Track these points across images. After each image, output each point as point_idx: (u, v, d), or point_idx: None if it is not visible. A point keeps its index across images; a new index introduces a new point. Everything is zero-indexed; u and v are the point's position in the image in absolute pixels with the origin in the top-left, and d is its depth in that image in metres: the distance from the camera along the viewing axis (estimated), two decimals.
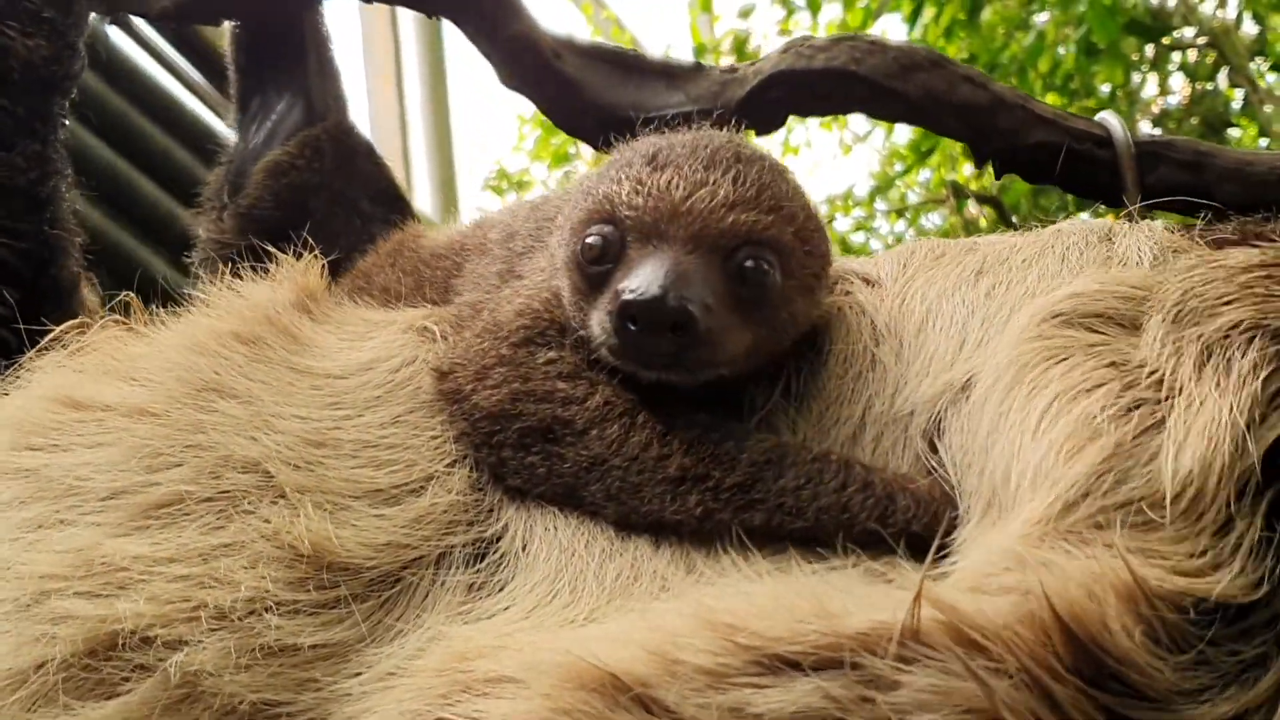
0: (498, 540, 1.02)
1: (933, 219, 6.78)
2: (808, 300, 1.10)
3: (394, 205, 1.79)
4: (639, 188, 1.05)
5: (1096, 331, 0.97)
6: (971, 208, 6.14)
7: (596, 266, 1.06)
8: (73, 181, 1.60)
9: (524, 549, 1.01)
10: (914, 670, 0.74)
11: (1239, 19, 6.30)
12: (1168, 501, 0.81)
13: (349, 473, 1.02)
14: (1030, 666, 0.73)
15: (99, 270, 1.64)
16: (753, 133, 1.91)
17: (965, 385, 1.02)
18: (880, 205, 7.36)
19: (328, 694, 0.91)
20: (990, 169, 1.92)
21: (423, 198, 4.15)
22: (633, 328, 0.99)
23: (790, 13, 6.81)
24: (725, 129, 1.21)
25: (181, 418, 1.03)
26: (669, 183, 1.04)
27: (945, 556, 0.93)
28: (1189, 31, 6.32)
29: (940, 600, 0.77)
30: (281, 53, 1.79)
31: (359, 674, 0.93)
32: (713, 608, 0.82)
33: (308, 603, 0.93)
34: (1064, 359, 0.95)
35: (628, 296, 0.99)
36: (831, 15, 6.81)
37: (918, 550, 0.94)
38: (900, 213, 7.06)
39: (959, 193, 6.08)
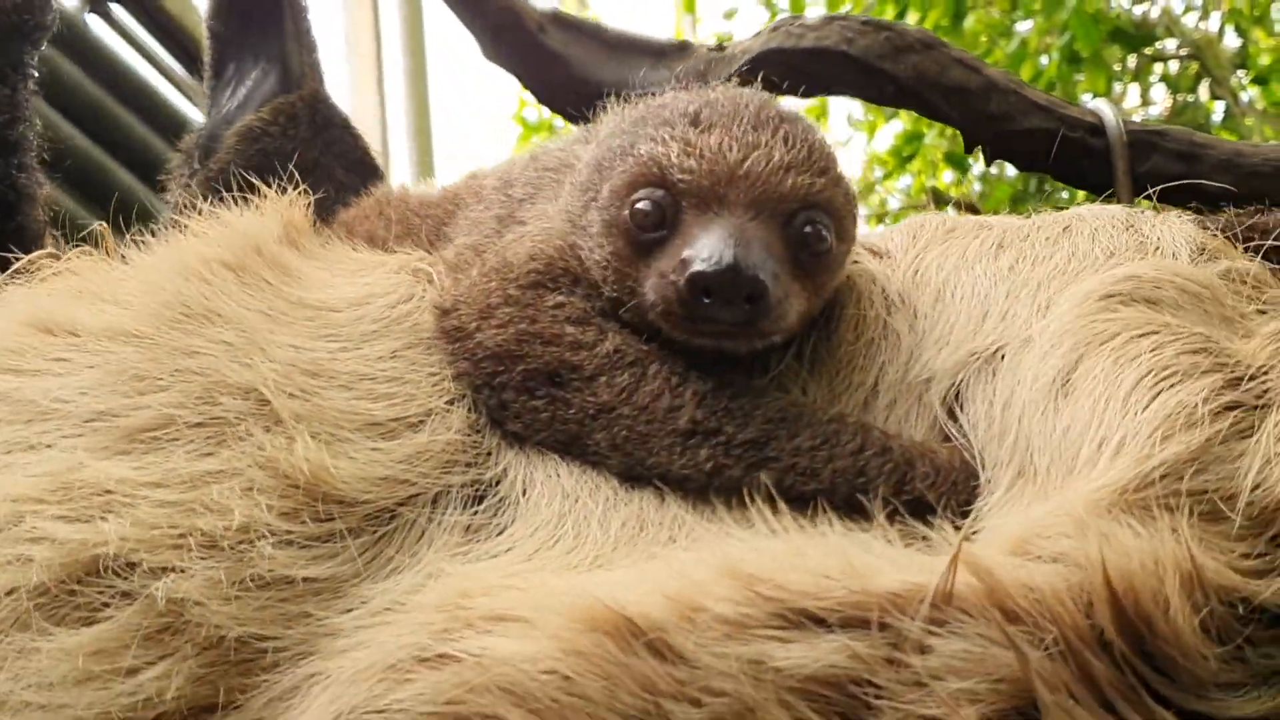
0: (496, 484, 1.00)
1: None
2: (845, 265, 1.09)
3: (370, 176, 1.77)
4: (688, 149, 1.02)
5: (1166, 313, 0.97)
6: (951, 214, 6.17)
7: (650, 233, 1.02)
8: (46, 167, 1.62)
9: (524, 494, 0.98)
10: (946, 634, 0.73)
11: (1221, 31, 6.40)
12: (1241, 501, 0.81)
13: (346, 404, 0.98)
14: (1070, 638, 0.72)
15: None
16: None
17: (991, 356, 1.01)
18: (861, 210, 7.36)
19: (318, 629, 0.88)
20: (971, 178, 1.91)
21: None
22: (706, 300, 0.96)
23: (773, 15, 6.82)
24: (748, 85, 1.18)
25: (169, 341, 0.99)
26: (720, 144, 1.01)
27: (968, 523, 0.92)
28: (1171, 43, 6.40)
29: (977, 564, 0.75)
30: (258, 20, 1.79)
31: (352, 609, 0.90)
32: (736, 558, 0.80)
33: (302, 534, 0.90)
34: (1148, 334, 0.94)
35: (700, 267, 0.96)
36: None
37: (929, 518, 0.93)
38: (880, 218, 7.08)
39: (939, 199, 6.10)
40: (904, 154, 6.51)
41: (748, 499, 0.94)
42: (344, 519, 0.92)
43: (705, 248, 0.97)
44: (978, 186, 5.71)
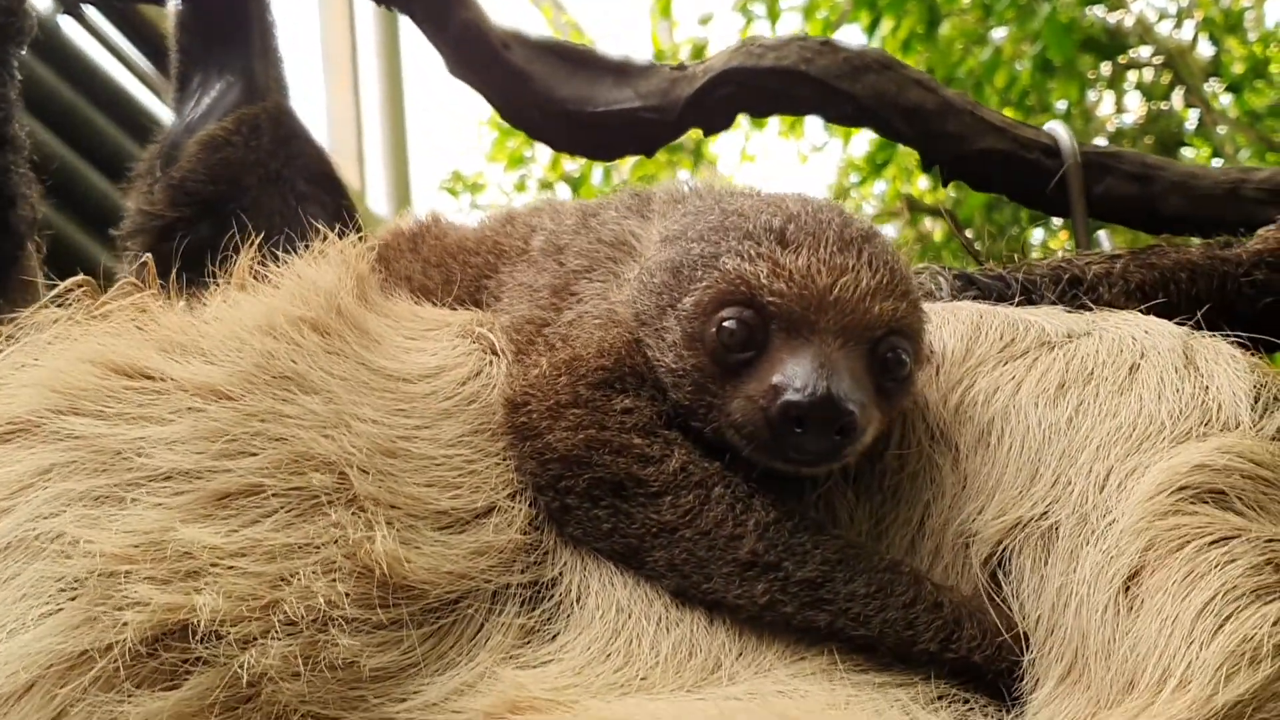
0: (552, 586, 1.05)
1: (888, 230, 6.91)
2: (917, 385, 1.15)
3: (331, 189, 1.84)
4: (777, 270, 1.06)
5: (1235, 513, 1.00)
6: (926, 221, 6.27)
7: (737, 354, 1.06)
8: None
9: (578, 601, 1.04)
10: None
11: (1195, 40, 6.58)
12: None
13: (416, 490, 1.04)
14: None
15: (46, 262, 1.68)
16: (700, 132, 1.97)
17: (1046, 530, 1.05)
18: None
19: (374, 715, 0.94)
20: (943, 181, 1.97)
21: (377, 198, 4.18)
22: (798, 430, 1.01)
23: (749, 21, 6.92)
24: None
25: (257, 404, 1.04)
26: (809, 268, 1.06)
27: (1013, 704, 0.99)
28: (1145, 51, 6.53)
29: None
30: (225, 34, 1.84)
31: (405, 700, 0.96)
32: (782, 712, 0.88)
33: (371, 621, 0.96)
34: (1218, 543, 0.97)
35: (794, 397, 1.01)
36: (791, 25, 6.92)
37: (970, 681, 1.00)
38: None
39: (913, 205, 6.21)
40: (878, 160, 6.60)
41: (789, 635, 1.01)
42: (409, 609, 0.98)
43: (798, 376, 1.02)
44: (952, 193, 5.81)
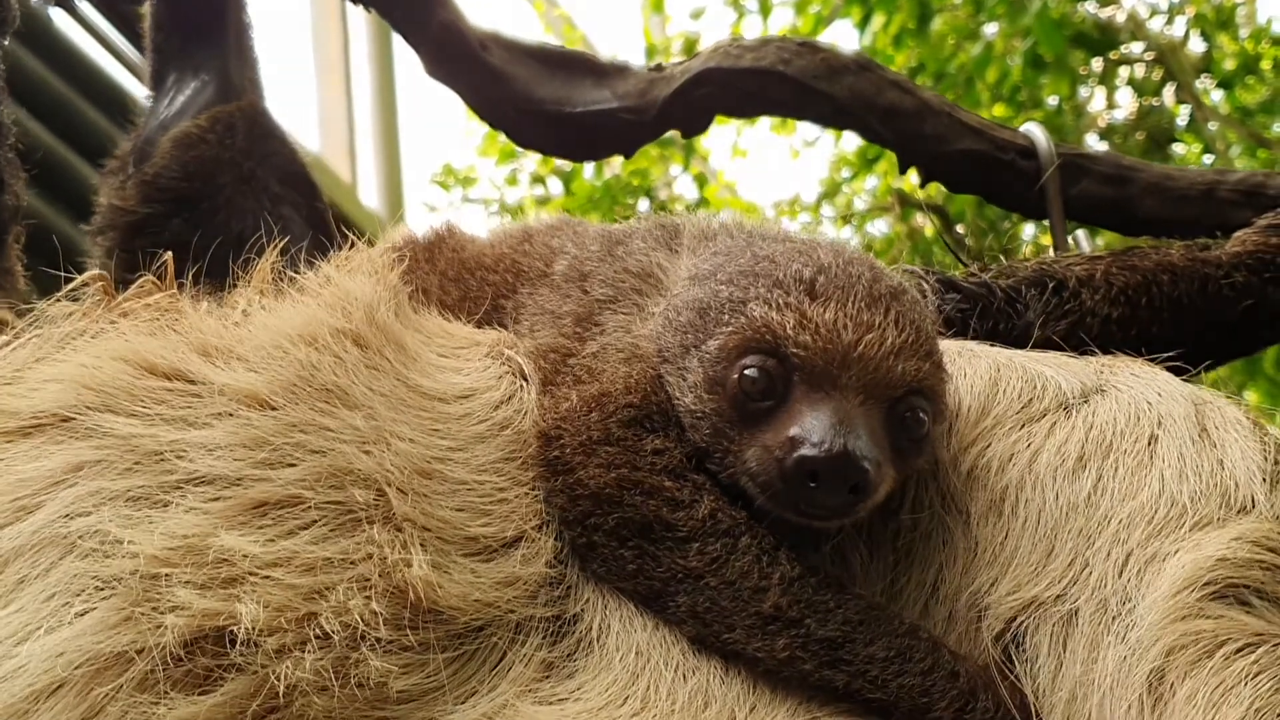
0: (574, 622, 1.08)
1: (879, 225, 7.01)
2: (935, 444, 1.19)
3: (305, 190, 1.88)
4: (804, 323, 1.09)
5: (1258, 613, 1.02)
6: (918, 216, 6.33)
7: (757, 402, 1.09)
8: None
9: (598, 640, 1.06)
10: None
11: (1186, 36, 6.66)
12: None
13: (449, 514, 1.06)
14: None
15: (36, 255, 1.70)
16: (679, 133, 2.02)
17: (1065, 616, 1.06)
18: (827, 211, 7.55)
19: None
20: (921, 183, 2.02)
21: (369, 193, 4.21)
22: (811, 484, 1.04)
23: (741, 16, 6.98)
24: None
25: (300, 415, 1.06)
26: (836, 323, 1.08)
27: None
28: (1137, 47, 6.61)
29: None
30: (200, 34, 1.89)
31: None
32: None
33: (401, 643, 0.99)
34: (1244, 651, 0.98)
35: (810, 452, 1.04)
36: (783, 20, 6.97)
37: None
38: (847, 219, 7.27)
39: (905, 201, 6.27)
40: (870, 155, 6.65)
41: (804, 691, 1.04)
42: (435, 634, 1.01)
43: (816, 431, 1.05)
44: (921, 186, 5.85)
